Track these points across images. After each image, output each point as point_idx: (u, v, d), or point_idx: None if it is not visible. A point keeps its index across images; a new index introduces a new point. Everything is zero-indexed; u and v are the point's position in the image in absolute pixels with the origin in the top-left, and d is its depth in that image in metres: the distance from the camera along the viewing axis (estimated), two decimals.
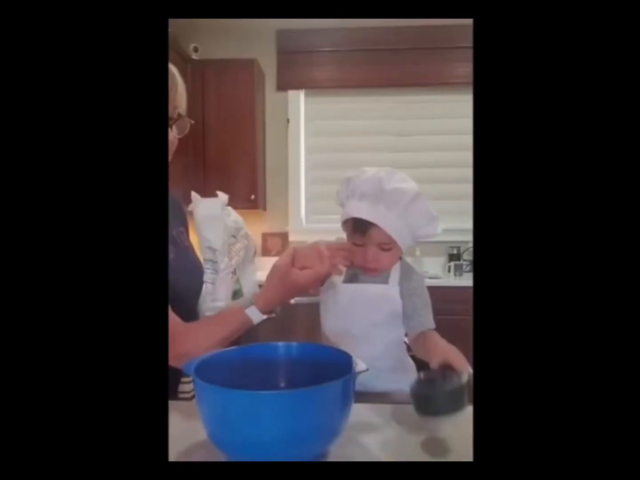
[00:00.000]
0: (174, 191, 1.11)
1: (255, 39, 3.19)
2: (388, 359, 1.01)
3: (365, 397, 0.91)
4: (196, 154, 2.81)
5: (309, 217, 3.34)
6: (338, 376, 0.65)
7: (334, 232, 1.08)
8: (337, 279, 1.02)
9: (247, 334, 0.95)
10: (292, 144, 3.29)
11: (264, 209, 3.24)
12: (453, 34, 3.02)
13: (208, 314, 1.01)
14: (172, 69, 0.92)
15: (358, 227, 0.97)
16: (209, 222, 1.01)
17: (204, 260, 1.02)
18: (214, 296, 1.01)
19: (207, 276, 1.00)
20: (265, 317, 0.93)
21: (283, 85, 3.25)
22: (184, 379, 1.00)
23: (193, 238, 1.13)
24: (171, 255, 0.99)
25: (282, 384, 0.79)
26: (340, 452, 0.69)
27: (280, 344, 0.82)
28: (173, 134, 0.93)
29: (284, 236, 3.28)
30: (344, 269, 1.00)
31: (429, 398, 0.71)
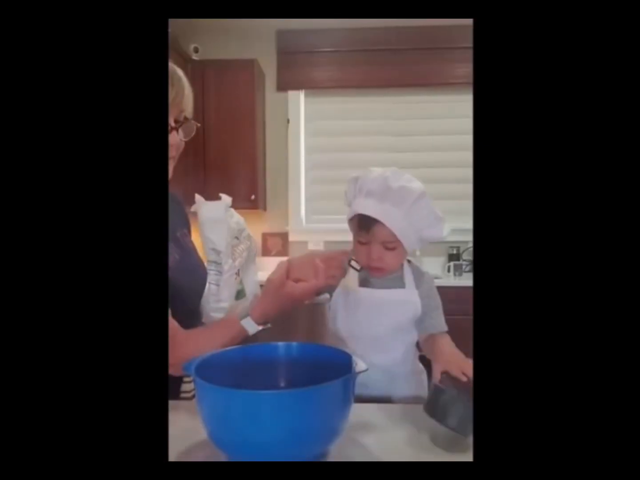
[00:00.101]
0: (175, 191, 1.11)
1: (255, 39, 3.20)
2: (407, 364, 1.02)
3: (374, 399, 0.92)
4: (196, 154, 2.81)
5: (309, 217, 3.34)
6: (338, 376, 0.65)
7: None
8: (353, 282, 1.02)
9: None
10: (292, 144, 3.29)
11: (264, 209, 3.24)
12: (453, 34, 3.02)
13: (212, 314, 1.01)
14: (179, 72, 0.92)
15: (363, 224, 0.97)
16: (213, 225, 1.01)
17: (208, 261, 1.02)
18: (218, 297, 1.01)
19: (211, 277, 1.01)
20: (260, 327, 0.94)
21: (283, 86, 3.25)
22: (185, 379, 1.00)
23: (195, 239, 1.13)
24: (176, 256, 1.00)
25: (282, 384, 0.79)
26: (340, 452, 0.69)
27: (280, 344, 0.82)
28: (179, 137, 0.93)
29: (284, 236, 3.28)
30: (356, 274, 1.01)
31: (435, 403, 0.74)
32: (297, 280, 0.93)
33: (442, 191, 3.15)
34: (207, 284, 1.01)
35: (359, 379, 0.69)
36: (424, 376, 1.05)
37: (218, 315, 1.01)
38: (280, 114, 3.27)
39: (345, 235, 1.06)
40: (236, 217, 1.06)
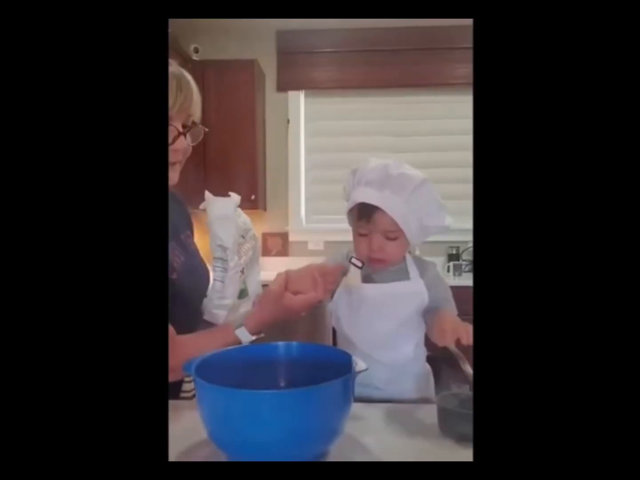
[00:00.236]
0: (175, 192, 1.12)
1: (255, 39, 3.20)
2: (418, 363, 1.01)
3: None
4: (196, 154, 2.80)
5: (309, 217, 3.34)
6: (338, 376, 0.65)
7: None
8: (355, 280, 1.00)
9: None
10: (292, 144, 3.29)
11: (264, 209, 3.24)
12: (453, 34, 3.02)
13: (214, 311, 1.01)
14: (188, 76, 0.92)
15: (363, 213, 0.95)
16: (222, 221, 1.01)
17: (214, 258, 1.02)
18: (223, 294, 1.01)
19: (217, 274, 1.01)
20: (254, 337, 0.93)
21: (283, 86, 3.25)
22: (185, 379, 1.00)
23: (197, 240, 1.13)
24: (182, 258, 1.00)
25: (282, 384, 0.79)
26: (340, 452, 0.69)
27: (280, 343, 0.82)
28: (187, 142, 0.93)
29: (284, 236, 3.28)
30: (358, 272, 0.99)
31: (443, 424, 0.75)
32: (295, 293, 0.92)
33: (442, 191, 3.09)
34: (212, 281, 1.02)
35: (367, 380, 0.68)
36: (431, 377, 1.04)
37: (220, 312, 1.01)
38: (280, 114, 3.27)
39: (346, 235, 1.05)
40: (243, 216, 1.07)
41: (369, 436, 0.75)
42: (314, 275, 0.92)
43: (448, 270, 3.04)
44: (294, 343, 0.82)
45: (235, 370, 0.74)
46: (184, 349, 0.89)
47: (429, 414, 0.80)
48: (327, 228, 3.13)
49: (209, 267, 1.12)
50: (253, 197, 3.00)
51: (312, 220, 3.33)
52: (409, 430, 0.77)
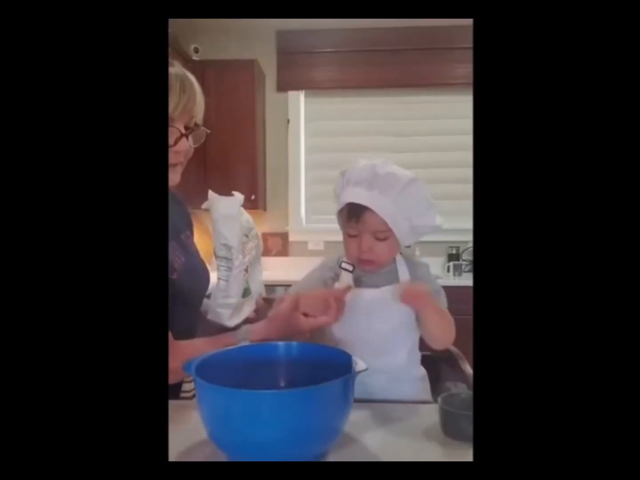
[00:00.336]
0: (175, 192, 1.12)
1: (255, 39, 3.20)
2: (412, 368, 1.00)
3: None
4: (197, 154, 2.79)
5: (309, 217, 3.34)
6: (338, 376, 0.65)
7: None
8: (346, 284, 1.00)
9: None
10: (292, 144, 3.29)
11: (264, 209, 3.24)
12: (453, 34, 3.02)
13: (219, 310, 1.01)
14: (192, 78, 0.92)
15: (352, 213, 0.94)
16: (227, 221, 1.01)
17: (218, 257, 1.02)
18: (227, 293, 1.01)
19: (221, 273, 1.01)
20: None
21: (283, 86, 3.25)
22: (185, 379, 1.00)
23: (197, 241, 1.13)
24: (182, 258, 1.00)
25: (282, 384, 0.79)
26: (340, 452, 0.69)
27: (280, 343, 0.82)
28: (189, 144, 0.93)
29: (284, 236, 3.28)
30: (350, 276, 0.98)
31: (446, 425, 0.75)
32: (305, 314, 0.91)
33: (442, 191, 3.15)
34: (217, 280, 1.01)
35: (360, 384, 0.68)
36: (427, 380, 1.03)
37: (225, 311, 1.01)
38: (280, 114, 3.27)
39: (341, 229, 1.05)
40: (246, 215, 1.07)
41: (369, 436, 0.75)
42: (327, 299, 0.90)
43: (448, 270, 3.04)
44: (294, 343, 0.82)
45: (235, 370, 0.74)
46: (184, 353, 0.88)
47: (429, 414, 0.80)
48: (327, 228, 3.12)
49: (209, 267, 1.12)
50: (253, 197, 3.00)
51: (312, 220, 3.33)
52: (409, 430, 0.77)
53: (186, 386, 1.02)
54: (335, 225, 1.03)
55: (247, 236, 1.06)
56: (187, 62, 2.91)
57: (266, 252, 3.22)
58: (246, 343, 0.90)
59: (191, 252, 1.07)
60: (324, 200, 3.26)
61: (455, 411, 0.74)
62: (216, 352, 0.77)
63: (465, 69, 3.05)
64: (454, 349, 1.15)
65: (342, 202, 0.96)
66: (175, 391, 0.99)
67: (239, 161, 3.00)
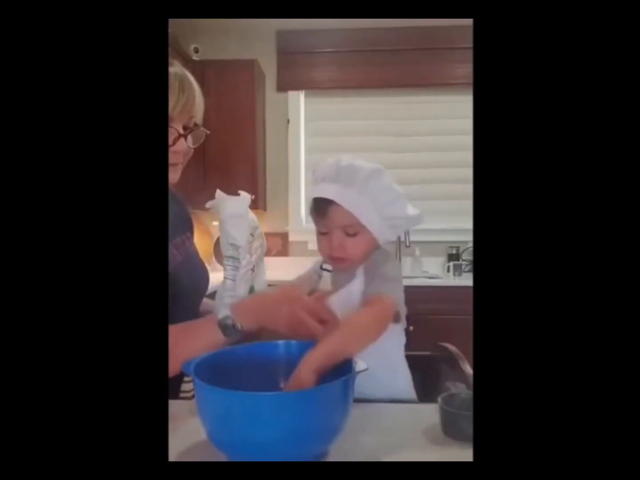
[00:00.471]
0: (176, 192, 1.12)
1: (255, 39, 3.20)
2: (392, 368, 0.95)
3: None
4: (196, 154, 2.80)
5: (309, 217, 3.34)
6: (338, 376, 0.65)
7: None
8: (326, 287, 0.99)
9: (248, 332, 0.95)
10: (292, 144, 3.29)
11: (264, 209, 3.24)
12: (453, 34, 3.02)
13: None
14: (191, 78, 0.92)
15: (319, 209, 0.93)
16: (235, 220, 1.01)
17: (225, 257, 1.01)
18: (234, 292, 1.00)
19: (228, 272, 1.01)
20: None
21: (283, 86, 3.25)
22: (185, 379, 1.00)
23: (197, 240, 1.13)
24: (179, 258, 1.00)
25: (282, 384, 0.79)
26: (340, 452, 0.69)
27: (280, 342, 0.82)
28: (187, 144, 0.93)
29: (284, 236, 3.28)
30: (329, 277, 0.97)
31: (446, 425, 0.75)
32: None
33: (442, 191, 3.16)
34: (223, 279, 1.01)
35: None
36: (409, 379, 1.00)
37: None
38: (280, 114, 3.27)
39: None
40: (251, 215, 1.07)
41: (369, 436, 0.75)
42: (329, 315, 0.84)
43: (448, 270, 3.04)
44: (294, 342, 0.81)
45: (235, 370, 0.74)
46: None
47: (429, 414, 0.80)
48: None
49: (209, 267, 1.13)
50: (253, 197, 2.99)
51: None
52: (409, 430, 0.77)
53: (186, 386, 1.02)
54: None
55: (252, 235, 1.06)
56: (187, 62, 2.91)
57: (266, 252, 3.21)
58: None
59: (189, 253, 1.07)
60: None
61: (455, 411, 0.74)
62: (216, 352, 0.77)
63: (465, 69, 3.05)
64: (454, 349, 1.14)
65: (310, 199, 0.95)
66: (175, 390, 0.99)
67: (239, 161, 3.00)
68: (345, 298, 0.91)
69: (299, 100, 3.29)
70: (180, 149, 0.90)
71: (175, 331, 0.84)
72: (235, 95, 2.97)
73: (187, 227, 1.13)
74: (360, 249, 0.93)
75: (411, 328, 1.19)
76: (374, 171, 0.91)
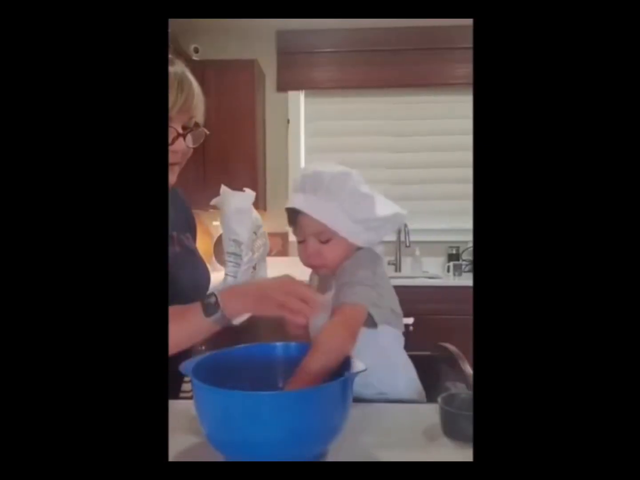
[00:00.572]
0: (178, 192, 1.12)
1: (255, 39, 3.19)
2: (383, 370, 0.93)
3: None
4: (196, 155, 2.80)
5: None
6: (336, 376, 0.65)
7: None
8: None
9: (246, 333, 0.94)
10: (292, 144, 3.29)
11: (264, 209, 3.24)
12: (453, 34, 3.02)
13: None
14: (191, 77, 0.92)
15: (290, 219, 0.95)
16: (239, 216, 1.01)
17: (227, 253, 1.01)
18: None
19: (229, 269, 1.00)
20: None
21: (283, 86, 3.25)
22: (185, 379, 1.00)
23: (198, 242, 1.13)
24: (177, 249, 0.99)
25: (281, 384, 0.79)
26: (340, 452, 0.69)
27: (279, 344, 0.82)
28: (186, 144, 0.92)
29: (284, 236, 3.28)
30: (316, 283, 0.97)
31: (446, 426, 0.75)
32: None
33: (442, 191, 3.16)
34: (224, 276, 1.01)
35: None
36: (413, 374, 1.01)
37: None
38: (280, 114, 3.27)
39: None
40: (255, 213, 1.07)
41: (369, 436, 0.75)
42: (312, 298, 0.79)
43: (448, 270, 3.04)
44: (293, 343, 0.82)
45: (233, 371, 0.74)
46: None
47: (429, 414, 0.80)
48: None
49: (209, 267, 1.12)
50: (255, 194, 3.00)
51: None
52: (409, 430, 0.77)
53: (186, 386, 1.01)
54: None
55: (255, 234, 1.06)
56: (187, 62, 2.91)
57: (266, 252, 3.22)
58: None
59: (189, 250, 1.07)
60: None
61: (455, 411, 0.74)
62: (214, 352, 0.77)
63: (465, 69, 3.04)
64: (454, 349, 1.14)
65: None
66: (175, 390, 0.99)
67: (239, 161, 3.00)
68: (329, 303, 0.90)
69: (299, 100, 3.29)
70: (178, 149, 0.90)
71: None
72: (235, 95, 2.97)
73: (189, 228, 1.13)
74: (337, 254, 0.94)
75: (411, 328, 1.20)
76: (337, 176, 0.91)
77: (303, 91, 3.28)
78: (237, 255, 1.00)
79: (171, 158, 0.91)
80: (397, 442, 0.74)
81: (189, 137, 0.92)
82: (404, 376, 1.00)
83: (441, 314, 2.59)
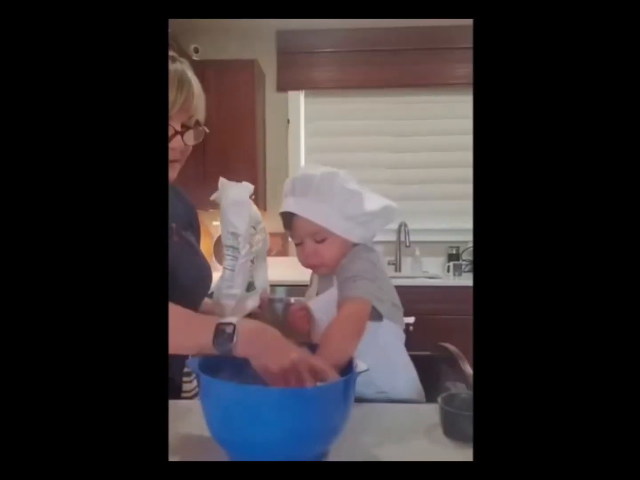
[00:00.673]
0: (180, 190, 1.11)
1: (255, 39, 3.19)
2: (383, 371, 0.91)
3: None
4: (197, 155, 2.80)
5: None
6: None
7: None
8: (312, 294, 1.01)
9: None
10: (292, 144, 3.29)
11: (264, 209, 3.24)
12: (453, 34, 3.02)
13: (223, 301, 0.99)
14: (190, 76, 0.92)
15: (286, 223, 0.99)
16: (236, 207, 1.00)
17: (225, 246, 1.01)
18: (232, 282, 0.99)
19: (227, 262, 0.99)
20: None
21: (283, 86, 3.25)
22: (185, 379, 1.00)
23: (202, 244, 1.13)
24: (175, 239, 0.99)
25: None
26: (340, 452, 0.69)
27: None
28: (185, 141, 0.92)
29: (284, 236, 3.28)
30: (316, 284, 0.98)
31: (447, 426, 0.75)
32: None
33: (442, 191, 3.16)
34: (222, 270, 1.00)
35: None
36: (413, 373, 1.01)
37: (228, 302, 0.99)
38: (280, 114, 3.27)
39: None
40: (254, 207, 1.07)
41: (369, 436, 0.75)
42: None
43: (448, 270, 3.04)
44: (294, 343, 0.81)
45: (236, 368, 0.74)
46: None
47: (429, 414, 0.80)
48: None
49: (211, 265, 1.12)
50: (253, 197, 3.00)
51: None
52: (409, 430, 0.77)
53: (186, 386, 1.01)
54: None
55: (255, 228, 1.05)
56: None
57: (266, 252, 3.22)
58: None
59: (192, 246, 1.06)
60: None
61: (455, 411, 0.74)
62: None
63: (465, 69, 3.04)
64: (453, 349, 1.14)
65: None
66: (176, 390, 0.98)
67: (239, 161, 3.00)
68: (327, 302, 0.94)
69: (299, 100, 3.29)
70: (176, 146, 0.90)
71: (172, 313, 0.74)
72: (235, 95, 2.97)
73: (189, 226, 1.13)
74: (333, 253, 0.97)
75: (411, 328, 1.19)
76: (325, 176, 0.93)
77: (303, 91, 3.28)
78: (235, 249, 0.99)
79: (170, 155, 0.91)
80: (397, 442, 0.74)
81: (188, 135, 0.92)
82: (404, 376, 1.00)
83: (441, 314, 2.59)
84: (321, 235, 0.95)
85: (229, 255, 1.00)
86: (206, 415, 0.66)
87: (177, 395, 0.98)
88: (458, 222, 3.06)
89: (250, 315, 1.05)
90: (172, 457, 0.66)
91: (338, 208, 0.93)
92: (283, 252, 3.25)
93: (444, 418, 0.75)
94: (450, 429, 0.74)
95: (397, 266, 3.14)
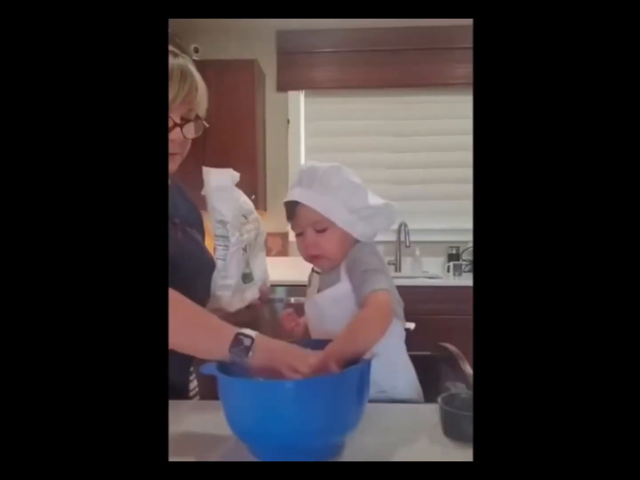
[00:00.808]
0: (182, 187, 1.11)
1: (255, 39, 3.19)
2: (385, 368, 0.89)
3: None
4: (196, 154, 2.79)
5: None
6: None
7: None
8: (313, 290, 1.02)
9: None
10: (292, 144, 3.29)
11: (264, 209, 3.24)
12: (453, 34, 3.02)
13: (218, 293, 0.99)
14: (193, 69, 0.92)
15: (288, 213, 1.00)
16: (220, 193, 1.00)
17: (215, 236, 1.00)
18: (225, 272, 0.98)
19: (219, 253, 0.99)
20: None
21: (283, 86, 3.25)
22: (189, 377, 1.00)
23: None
24: (180, 234, 0.99)
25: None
26: (340, 452, 0.69)
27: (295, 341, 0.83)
28: (183, 134, 0.92)
29: (284, 236, 3.28)
30: (317, 282, 0.99)
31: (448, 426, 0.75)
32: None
33: (442, 191, 3.16)
34: (215, 260, 1.00)
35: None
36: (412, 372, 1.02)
37: (224, 293, 0.99)
38: (280, 114, 3.27)
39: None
40: (244, 197, 1.06)
41: (369, 436, 0.75)
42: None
43: (448, 270, 3.04)
44: (310, 340, 0.83)
45: (239, 367, 0.75)
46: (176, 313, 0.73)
47: (429, 414, 0.80)
48: None
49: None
50: (253, 197, 3.00)
51: None
52: (409, 430, 0.77)
53: (190, 385, 1.01)
54: None
55: (246, 218, 1.04)
56: None
57: (266, 252, 3.22)
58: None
59: (194, 239, 1.06)
60: None
61: (455, 411, 0.74)
62: None
63: (465, 69, 3.05)
64: (453, 349, 1.14)
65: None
66: (184, 390, 0.98)
67: (239, 161, 2.98)
68: (338, 296, 0.94)
69: (299, 100, 3.29)
70: (175, 138, 0.90)
71: (188, 311, 0.78)
72: (235, 95, 2.97)
73: (194, 224, 1.12)
74: (333, 245, 0.97)
75: (411, 328, 1.20)
76: (330, 168, 0.95)
77: (303, 91, 3.28)
78: (225, 237, 0.98)
79: (169, 147, 0.91)
80: (397, 442, 0.74)
81: (187, 127, 0.92)
82: (404, 375, 1.00)
83: (441, 314, 2.59)
84: (322, 225, 0.96)
85: (219, 245, 0.99)
86: (227, 414, 0.67)
87: (181, 396, 0.98)
88: (458, 222, 3.06)
89: (250, 307, 1.05)
90: (172, 457, 0.67)
91: (342, 200, 0.95)
92: (283, 252, 3.25)
93: (444, 418, 0.75)
94: (450, 429, 0.74)
95: (397, 266, 3.14)
